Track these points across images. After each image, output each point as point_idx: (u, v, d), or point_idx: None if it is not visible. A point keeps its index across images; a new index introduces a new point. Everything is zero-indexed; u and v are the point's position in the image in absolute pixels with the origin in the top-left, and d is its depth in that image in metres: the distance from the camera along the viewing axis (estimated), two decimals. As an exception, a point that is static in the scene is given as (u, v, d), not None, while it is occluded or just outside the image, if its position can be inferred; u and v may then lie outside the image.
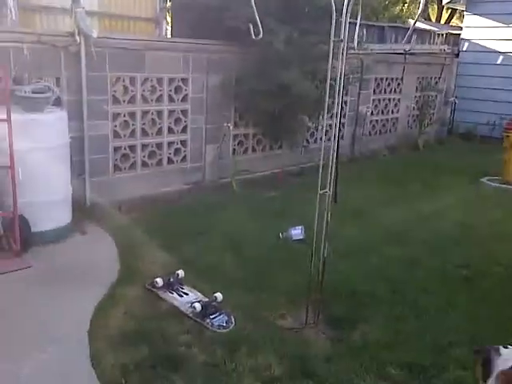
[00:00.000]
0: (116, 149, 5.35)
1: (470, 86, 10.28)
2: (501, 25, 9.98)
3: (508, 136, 6.96)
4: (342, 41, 2.98)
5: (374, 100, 8.46)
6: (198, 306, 3.28)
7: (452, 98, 10.31)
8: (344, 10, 2.98)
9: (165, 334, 3.04)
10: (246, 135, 6.60)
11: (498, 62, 10.09)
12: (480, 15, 10.26)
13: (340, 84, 3.07)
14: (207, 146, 6.14)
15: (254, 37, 3.22)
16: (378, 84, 8.47)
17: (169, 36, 7.36)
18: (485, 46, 10.24)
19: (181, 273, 3.70)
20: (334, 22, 2.97)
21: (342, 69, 3.05)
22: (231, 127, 6.19)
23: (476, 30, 10.36)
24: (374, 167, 7.65)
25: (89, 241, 4.41)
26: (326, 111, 3.24)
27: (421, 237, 4.82)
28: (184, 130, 5.92)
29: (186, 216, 5.09)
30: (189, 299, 3.45)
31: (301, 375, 2.73)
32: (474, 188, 6.75)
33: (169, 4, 7.18)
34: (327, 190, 3.14)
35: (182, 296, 3.49)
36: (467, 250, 4.54)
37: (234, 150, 6.46)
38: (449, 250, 4.52)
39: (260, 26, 3.16)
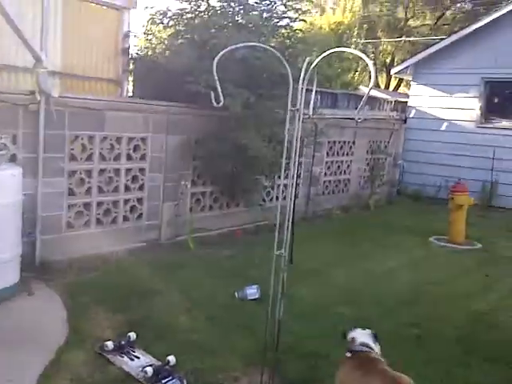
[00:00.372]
0: (70, 206, 5.28)
1: (417, 150, 10.89)
2: (444, 94, 10.74)
3: (453, 198, 7.34)
4: (298, 110, 3.15)
5: (327, 162, 8.79)
6: (149, 370, 3.20)
7: (400, 161, 10.84)
8: (301, 81, 3.16)
9: (114, 401, 2.94)
10: (204, 193, 6.67)
11: (443, 128, 10.77)
12: (425, 85, 11.02)
13: (296, 147, 3.21)
14: (164, 204, 6.15)
15: (215, 104, 3.34)
16: (331, 147, 8.84)
17: (130, 96, 7.50)
18: (430, 114, 10.95)
19: (132, 335, 3.62)
20: (291, 89, 3.15)
21: (297, 134, 3.21)
22: (189, 186, 6.26)
23: (422, 98, 11.09)
24: (328, 226, 7.84)
25: (36, 302, 4.26)
26: (283, 172, 3.36)
27: (373, 296, 4.92)
28: (141, 187, 5.94)
29: (140, 275, 5.02)
30: (140, 363, 3.36)
31: None
32: (422, 247, 7.00)
33: (132, 66, 7.35)
34: (282, 250, 3.21)
35: (133, 360, 3.40)
36: (417, 311, 4.65)
37: (191, 208, 6.50)
38: (399, 310, 4.63)
39: (221, 93, 3.30)
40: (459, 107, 10.57)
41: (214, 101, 3.50)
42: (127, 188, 5.80)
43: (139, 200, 5.94)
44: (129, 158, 5.77)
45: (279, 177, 7.09)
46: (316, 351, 3.68)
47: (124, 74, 7.44)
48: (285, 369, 3.40)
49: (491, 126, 10.26)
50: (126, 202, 5.81)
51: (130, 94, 7.64)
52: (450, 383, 3.42)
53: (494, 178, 9.98)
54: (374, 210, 9.36)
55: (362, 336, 3.02)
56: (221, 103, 3.44)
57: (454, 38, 10.62)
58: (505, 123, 10.13)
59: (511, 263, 6.40)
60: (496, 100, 10.46)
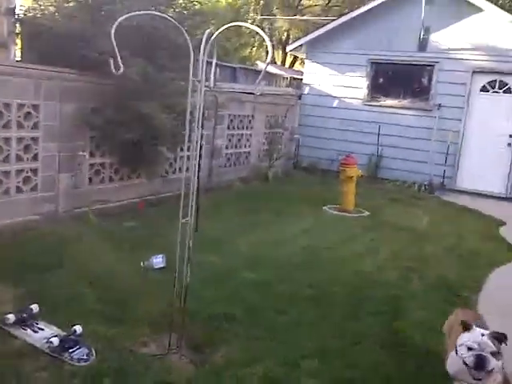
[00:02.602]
0: (-45, 177, 4.90)
1: (311, 125, 11.42)
2: (335, 73, 11.32)
3: (344, 170, 7.88)
4: (199, 81, 3.21)
5: (228, 135, 8.93)
6: (55, 340, 3.15)
7: (296, 136, 11.32)
8: (201, 52, 3.21)
9: (19, 373, 2.87)
10: (103, 164, 6.48)
11: (334, 105, 11.38)
12: (318, 63, 11.52)
13: (199, 119, 3.28)
14: (61, 175, 5.90)
15: (114, 71, 3.28)
16: (232, 120, 8.99)
17: (18, 60, 6.97)
18: (323, 91, 11.49)
19: (35, 307, 3.51)
20: (192, 59, 3.19)
21: (200, 106, 3.27)
22: (87, 156, 6.06)
23: (315, 75, 11.58)
24: (230, 197, 8.03)
25: None
26: (186, 144, 3.42)
27: (272, 261, 5.20)
28: (35, 157, 5.63)
29: (38, 248, 4.82)
30: (45, 335, 3.29)
31: (165, 400, 2.79)
32: (316, 216, 7.46)
33: (18, 29, 6.83)
34: (188, 218, 3.30)
35: (36, 332, 3.32)
36: (312, 273, 5.02)
37: (91, 179, 6.30)
38: (297, 273, 4.95)
39: (120, 60, 3.25)
40: (349, 85, 11.20)
41: (113, 68, 3.44)
42: (19, 158, 5.47)
43: (33, 171, 5.63)
44: (20, 126, 5.43)
45: (181, 149, 7.13)
46: (221, 314, 3.85)
47: (10, 37, 6.89)
48: (192, 332, 3.52)
49: (377, 104, 11.03)
50: (19, 172, 5.49)
51: (19, 58, 7.10)
52: (341, 335, 3.77)
53: (380, 152, 10.81)
54: (273, 181, 9.73)
55: None
56: (120, 71, 3.40)
57: (343, 19, 11.16)
58: (388, 101, 10.95)
59: (394, 228, 7.06)
60: (381, 80, 11.24)
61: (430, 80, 10.58)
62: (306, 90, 11.72)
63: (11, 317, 3.35)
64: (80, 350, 3.16)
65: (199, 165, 4.67)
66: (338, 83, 11.30)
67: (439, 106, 10.30)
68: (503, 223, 8.00)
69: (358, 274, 5.10)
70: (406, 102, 10.81)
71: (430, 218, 7.96)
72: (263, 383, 3.06)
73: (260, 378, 3.09)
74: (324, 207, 7.90)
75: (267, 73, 12.22)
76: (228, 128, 8.90)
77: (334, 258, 5.54)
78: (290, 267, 5.11)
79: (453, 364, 2.86)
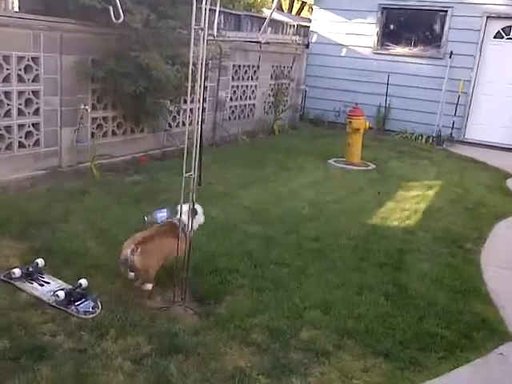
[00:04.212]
0: (-43, 132, 4.86)
1: (318, 75, 11.14)
2: (344, 20, 10.94)
3: (350, 122, 7.73)
4: (202, 29, 3.08)
5: (232, 86, 8.75)
6: (61, 293, 3.19)
7: (303, 87, 11.07)
8: (204, -1, 3.07)
9: (26, 325, 2.92)
10: (106, 118, 6.40)
11: (342, 54, 11.06)
12: (326, 9, 11.12)
13: (202, 70, 3.18)
14: (63, 130, 5.84)
15: (114, 20, 3.16)
16: (236, 71, 8.77)
17: (16, 11, 6.77)
18: (331, 39, 11.15)
19: (40, 262, 3.55)
20: (194, 8, 3.05)
21: (203, 56, 3.16)
22: (89, 109, 5.97)
23: (323, 23, 11.21)
24: (235, 151, 7.96)
25: None
26: (189, 96, 3.33)
27: (277, 215, 5.20)
28: (36, 112, 5.56)
29: (42, 203, 4.84)
30: (51, 288, 3.33)
31: (170, 350, 2.83)
32: (322, 169, 7.40)
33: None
34: (192, 172, 3.26)
35: (42, 285, 3.36)
36: (318, 226, 5.01)
37: (93, 133, 6.23)
38: (302, 226, 4.95)
39: (120, 8, 3.12)
40: (358, 33, 10.85)
41: (113, 17, 3.31)
42: (21, 112, 5.40)
43: (35, 125, 5.57)
44: (20, 79, 5.33)
45: (185, 101, 7.00)
46: (226, 267, 3.87)
47: (7, -14, 6.68)
48: (196, 285, 3.55)
49: (386, 52, 10.71)
50: (21, 127, 5.43)
51: (16, 9, 6.90)
52: (347, 285, 3.79)
53: (388, 103, 10.59)
54: (278, 134, 9.61)
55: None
56: (120, 19, 3.27)
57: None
58: (398, 50, 10.62)
59: (400, 181, 7.00)
60: (392, 27, 10.86)
61: (442, 26, 10.20)
62: (314, 38, 11.38)
63: (17, 271, 3.39)
64: (86, 302, 3.20)
65: (202, 118, 4.60)
66: (347, 31, 10.94)
67: (451, 53, 9.98)
68: (511, 175, 7.90)
69: (364, 227, 5.09)
70: (416, 50, 10.49)
71: (436, 170, 7.88)
72: (267, 334, 3.10)
73: (264, 329, 3.13)
74: (330, 160, 7.82)
75: (273, 20, 11.83)
76: (232, 79, 8.70)
77: (339, 211, 5.52)
78: (295, 220, 5.10)
79: None
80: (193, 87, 3.25)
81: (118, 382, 2.55)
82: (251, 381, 2.66)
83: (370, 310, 3.45)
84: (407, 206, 5.94)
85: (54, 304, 3.16)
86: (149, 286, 3.47)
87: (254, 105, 9.48)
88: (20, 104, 5.38)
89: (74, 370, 2.59)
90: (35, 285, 3.35)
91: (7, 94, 5.23)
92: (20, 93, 5.36)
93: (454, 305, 3.60)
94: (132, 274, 3.50)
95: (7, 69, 5.17)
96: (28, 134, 5.53)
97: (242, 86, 9.03)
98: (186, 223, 3.44)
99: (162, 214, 4.60)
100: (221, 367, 2.75)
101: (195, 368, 2.72)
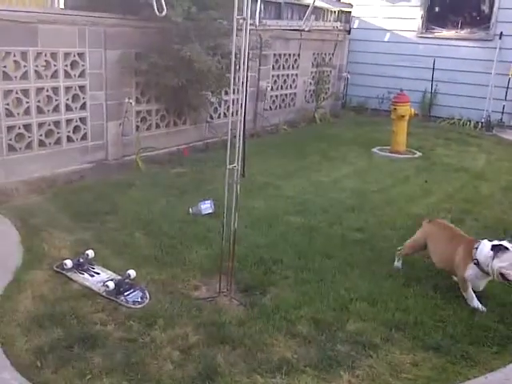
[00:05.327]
0: (9, 128, 5.04)
1: (360, 61, 10.91)
2: (387, 3, 10.64)
3: (395, 109, 7.53)
4: (244, 19, 3.06)
5: (273, 75, 8.69)
6: (110, 284, 3.27)
7: (345, 74, 10.87)
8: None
9: (78, 315, 3.01)
10: (149, 111, 6.50)
11: (386, 39, 10.78)
12: (368, -7, 10.84)
13: (244, 60, 3.15)
14: (109, 123, 5.97)
15: (157, 13, 3.18)
16: (277, 60, 8.71)
17: (62, 8, 6.94)
18: (373, 24, 10.87)
19: (90, 253, 3.65)
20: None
21: (245, 46, 3.14)
22: (133, 103, 6.07)
23: (365, 7, 10.94)
24: (276, 141, 7.93)
25: (-15, 227, 4.17)
26: (232, 87, 3.32)
27: (320, 205, 5.14)
28: (83, 106, 5.71)
29: (91, 196, 4.97)
30: (101, 278, 3.43)
31: (217, 341, 2.86)
32: (366, 158, 7.26)
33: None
34: (235, 164, 3.25)
35: (93, 276, 3.46)
36: (362, 216, 4.93)
37: (138, 126, 6.35)
38: (345, 217, 4.88)
39: (163, 1, 3.13)
40: (401, 17, 10.53)
41: (156, 10, 3.34)
42: (68, 107, 5.56)
43: (82, 120, 5.73)
44: (67, 75, 5.48)
45: (226, 93, 7.01)
46: (270, 258, 3.87)
47: (52, -16, 6.84)
48: (241, 276, 3.57)
49: (432, 35, 10.35)
50: (69, 122, 5.59)
51: (62, 6, 7.06)
52: (394, 277, 3.71)
53: (434, 89, 10.26)
54: (320, 123, 9.49)
55: None
56: (164, 12, 3.29)
57: None
58: (445, 33, 10.24)
59: (448, 169, 6.78)
60: (437, 9, 10.48)
61: (491, 7, 9.76)
62: (356, 23, 11.12)
63: (69, 262, 3.49)
64: (134, 293, 3.27)
65: (245, 108, 4.58)
66: (390, 15, 10.64)
67: (501, 34, 9.54)
68: None
69: (410, 217, 4.96)
70: (463, 33, 10.09)
71: (486, 157, 7.59)
72: (312, 325, 3.07)
73: (309, 321, 3.11)
74: (374, 149, 7.66)
75: (314, 7, 11.64)
76: (273, 68, 8.64)
77: (384, 201, 5.41)
78: (339, 211, 5.03)
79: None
80: (235, 78, 3.23)
81: (167, 371, 2.60)
82: (298, 372, 2.65)
83: (418, 303, 3.37)
84: (456, 194, 5.75)
85: (104, 294, 3.25)
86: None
87: (295, 94, 9.40)
88: (67, 99, 5.53)
89: (125, 358, 2.66)
90: (86, 275, 3.45)
91: (55, 89, 5.39)
92: (67, 88, 5.50)
93: (508, 298, 3.46)
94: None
95: (54, 65, 5.32)
96: (76, 129, 5.68)
97: (282, 75, 8.96)
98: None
99: (206, 206, 4.67)
100: (267, 358, 2.75)
101: (242, 359, 2.73)
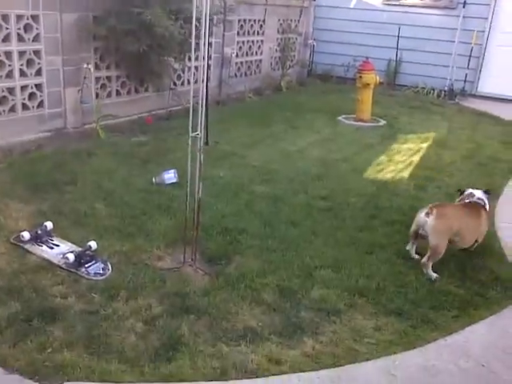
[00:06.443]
0: (-41, 94, 4.77)
1: (326, 28, 10.78)
2: (353, -31, 10.49)
3: (361, 77, 7.50)
4: (205, -20, 2.93)
5: (238, 42, 8.49)
6: (70, 256, 3.19)
7: (311, 41, 10.73)
8: None
9: (37, 288, 2.93)
10: (109, 78, 6.26)
11: (352, 5, 10.66)
12: (334, -42, 10.64)
13: (206, 25, 3.04)
14: (67, 90, 5.72)
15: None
16: (242, 26, 8.50)
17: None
18: (339, -10, 10.72)
19: (49, 224, 3.54)
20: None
21: (206, 10, 3.02)
22: (92, 69, 5.82)
23: (331, -27, 10.75)
24: (242, 109, 7.81)
25: None
26: (193, 52, 3.20)
27: (286, 174, 5.12)
28: (38, 72, 5.43)
29: (49, 166, 4.79)
30: (60, 250, 3.33)
31: (181, 311, 2.84)
32: (331, 126, 7.25)
33: None
34: (198, 132, 3.17)
35: (52, 248, 3.36)
36: (327, 184, 4.94)
37: (97, 93, 6.11)
38: (311, 185, 4.88)
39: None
40: (368, -17, 10.43)
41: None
42: (23, 73, 5.28)
43: (38, 86, 5.46)
44: (20, 39, 5.19)
45: (189, 59, 6.81)
46: (235, 227, 3.84)
47: None
48: (206, 245, 3.53)
49: (397, 3, 10.29)
50: (24, 88, 5.32)
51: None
52: (356, 245, 3.75)
53: (399, 57, 10.27)
54: (286, 91, 9.40)
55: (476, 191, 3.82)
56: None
57: None
58: (410, 0, 10.21)
59: (411, 138, 6.85)
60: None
61: (455, -26, 9.76)
62: (322, -11, 10.94)
63: (26, 234, 3.37)
64: (96, 264, 3.20)
65: (208, 75, 4.47)
66: (355, -19, 10.51)
67: (464, 2, 9.57)
68: (525, 129, 7.73)
69: (374, 184, 5.02)
70: (428, 0, 10.08)
71: (448, 125, 7.70)
72: (277, 293, 3.08)
73: (274, 289, 3.12)
74: (339, 117, 7.65)
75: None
76: (238, 34, 8.44)
77: (349, 169, 5.43)
78: (304, 179, 5.03)
79: None
80: (197, 43, 3.12)
81: (130, 343, 2.56)
82: (263, 340, 2.66)
83: (381, 269, 3.42)
84: (418, 162, 5.83)
85: (64, 266, 3.16)
86: (432, 275, 3.35)
87: (260, 61, 9.24)
88: (21, 64, 5.25)
89: (86, 331, 2.60)
90: (45, 247, 3.35)
91: (8, 54, 5.10)
92: (21, 53, 5.22)
93: (468, 262, 3.56)
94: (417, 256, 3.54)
95: (6, 28, 5.03)
96: (31, 96, 5.42)
97: (247, 42, 8.77)
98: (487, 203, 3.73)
99: (169, 175, 4.58)
100: (232, 327, 2.75)
101: (206, 328, 2.72)
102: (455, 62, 9.81)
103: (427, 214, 3.41)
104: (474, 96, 9.82)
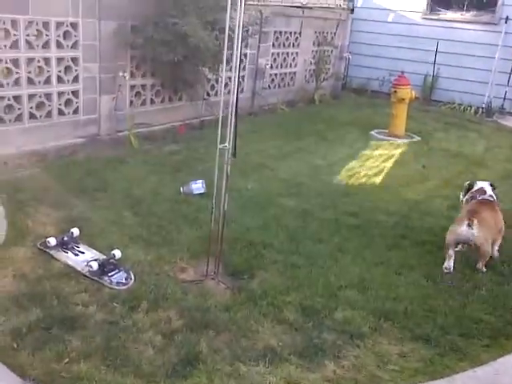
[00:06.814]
0: (-2, 99, 4.90)
1: (363, 42, 10.67)
2: (392, -17, 10.37)
3: (396, 91, 7.38)
4: (241, -8, 2.92)
5: (273, 53, 8.49)
6: (94, 264, 3.20)
7: (346, 54, 10.63)
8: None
9: (59, 295, 2.94)
10: (144, 86, 6.34)
11: (389, 19, 10.53)
12: (373, -28, 10.55)
13: (238, 35, 3.02)
14: (102, 97, 5.82)
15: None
16: (277, 37, 8.49)
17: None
18: (377, 4, 10.61)
19: (75, 231, 3.56)
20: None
21: (240, 20, 3.00)
22: (127, 77, 5.91)
23: (370, -14, 10.66)
24: (273, 121, 7.78)
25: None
26: (224, 63, 3.19)
27: (315, 188, 5.05)
28: (75, 79, 5.54)
29: (81, 172, 4.86)
30: (85, 258, 3.34)
31: (201, 326, 2.79)
32: (363, 141, 7.13)
33: None
34: (226, 144, 3.15)
35: (77, 255, 3.38)
36: (357, 201, 4.83)
37: (132, 101, 6.19)
38: (340, 201, 4.79)
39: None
40: (407, -3, 10.29)
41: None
42: (60, 79, 5.40)
43: (74, 93, 5.57)
44: (59, 45, 5.31)
45: (223, 69, 6.84)
46: (260, 241, 3.79)
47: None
48: (230, 259, 3.49)
49: (436, 17, 10.12)
50: (60, 94, 5.44)
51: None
52: (386, 264, 3.64)
53: (436, 72, 10.07)
54: (320, 104, 9.32)
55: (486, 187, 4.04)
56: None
57: None
58: (450, 15, 10.02)
59: (447, 155, 6.68)
60: (443, -10, 10.23)
61: (497, -11, 9.52)
62: (360, 2, 10.84)
63: (52, 240, 3.41)
64: (119, 273, 3.20)
65: (241, 87, 4.45)
66: (394, -5, 10.38)
67: (507, 18, 9.32)
68: None
69: (406, 203, 4.89)
70: (469, 16, 9.85)
71: (485, 143, 7.47)
72: (300, 312, 3.01)
73: (297, 307, 3.05)
74: (371, 132, 7.53)
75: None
76: (273, 46, 8.43)
77: (380, 186, 5.32)
78: (333, 194, 4.94)
79: None
80: (230, 54, 3.10)
81: (147, 357, 2.53)
82: (282, 361, 2.59)
83: (409, 291, 3.30)
84: (454, 180, 5.65)
85: (87, 274, 3.17)
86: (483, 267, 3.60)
87: (294, 73, 9.20)
88: (59, 71, 5.37)
89: (105, 342, 2.59)
90: (70, 254, 3.37)
91: (46, 60, 5.22)
92: (59, 59, 5.34)
93: (501, 289, 3.40)
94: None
95: (46, 35, 5.15)
96: (67, 102, 5.53)
97: (282, 54, 8.75)
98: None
99: (197, 186, 4.58)
100: (251, 345, 2.69)
101: (226, 345, 2.67)
102: (494, 79, 9.53)
103: (469, 226, 3.52)
104: (514, 114, 9.53)
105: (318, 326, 2.90)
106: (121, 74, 5.83)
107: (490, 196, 3.94)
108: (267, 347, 2.68)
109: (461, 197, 4.20)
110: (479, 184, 4.08)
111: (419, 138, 7.41)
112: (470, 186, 4.12)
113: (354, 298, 3.20)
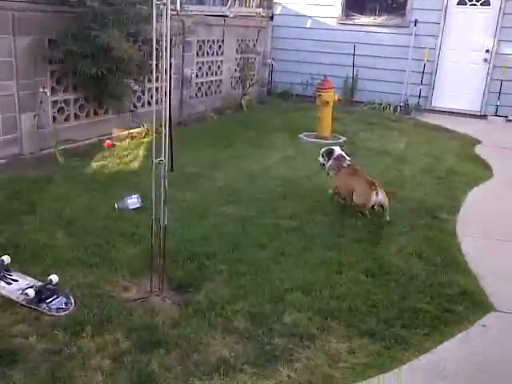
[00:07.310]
0: None
1: (284, 48, 10.93)
2: (308, -10, 10.70)
3: (320, 95, 7.61)
4: (164, 4, 2.89)
5: (197, 62, 8.48)
6: (30, 291, 3.02)
7: (269, 60, 10.84)
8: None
9: (-5, 328, 2.76)
10: (67, 101, 6.10)
11: (308, 25, 10.86)
12: (289, -20, 10.84)
13: (166, 46, 2.99)
14: (22, 115, 5.54)
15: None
16: (201, 46, 8.50)
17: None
18: (295, 10, 10.90)
19: (6, 258, 3.35)
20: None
21: (167, 32, 2.98)
22: (48, 93, 5.67)
23: (287, -6, 10.94)
24: (204, 129, 7.76)
25: None
26: (154, 74, 3.14)
27: (252, 194, 5.09)
28: (-9, 97, 5.25)
29: (4, 194, 4.59)
30: (19, 286, 3.15)
31: (150, 345, 2.72)
32: (293, 145, 7.28)
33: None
34: (162, 157, 3.10)
35: (10, 283, 3.18)
36: (293, 204, 4.93)
37: (55, 117, 5.94)
38: (277, 205, 4.86)
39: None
40: (322, 3, 10.65)
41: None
42: (-26, 99, 5.09)
43: (-9, 112, 5.27)
44: (-29, 63, 5.01)
45: (149, 80, 6.75)
46: (202, 251, 3.76)
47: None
48: (173, 273, 3.43)
49: (351, 22, 10.56)
50: (-24, 114, 5.13)
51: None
52: (327, 264, 3.72)
53: (355, 74, 10.50)
54: (247, 110, 9.41)
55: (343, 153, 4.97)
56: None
57: None
58: (363, 19, 10.49)
59: (371, 153, 6.97)
60: (356, -4, 10.69)
61: (406, -6, 10.10)
62: (278, 9, 11.10)
63: (-19, 270, 3.19)
64: (58, 299, 3.05)
65: (170, 96, 4.40)
66: (311, 1, 10.71)
67: (415, 21, 9.92)
68: (478, 142, 8.01)
69: (340, 203, 5.03)
70: (381, 20, 10.38)
71: (406, 140, 7.88)
72: (249, 320, 3.01)
73: (245, 315, 3.05)
74: (300, 135, 7.71)
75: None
76: (197, 55, 8.43)
77: (314, 187, 5.45)
78: (270, 199, 5.01)
79: None
80: (157, 65, 3.07)
81: (97, 383, 2.43)
82: (236, 371, 2.58)
83: (351, 289, 3.41)
84: (379, 177, 5.89)
85: (23, 303, 3.00)
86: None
87: (220, 80, 9.25)
88: (-27, 90, 5.06)
89: (50, 373, 2.46)
90: (2, 284, 3.17)
91: (-42, 79, 4.90)
92: (-28, 78, 5.03)
93: (435, 278, 3.60)
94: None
95: (-44, 52, 4.84)
96: (-16, 122, 5.22)
97: (207, 62, 8.77)
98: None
99: (132, 200, 4.47)
100: (204, 359, 2.66)
101: (177, 362, 2.62)
102: (409, 79, 10.10)
103: (376, 194, 4.52)
104: (429, 110, 10.14)
105: (268, 332, 2.92)
106: (41, 89, 5.59)
107: (349, 160, 4.93)
108: (220, 359, 2.66)
109: (321, 160, 5.11)
110: (337, 150, 5.00)
111: (345, 139, 7.67)
112: (330, 153, 4.99)
113: (300, 300, 3.26)
